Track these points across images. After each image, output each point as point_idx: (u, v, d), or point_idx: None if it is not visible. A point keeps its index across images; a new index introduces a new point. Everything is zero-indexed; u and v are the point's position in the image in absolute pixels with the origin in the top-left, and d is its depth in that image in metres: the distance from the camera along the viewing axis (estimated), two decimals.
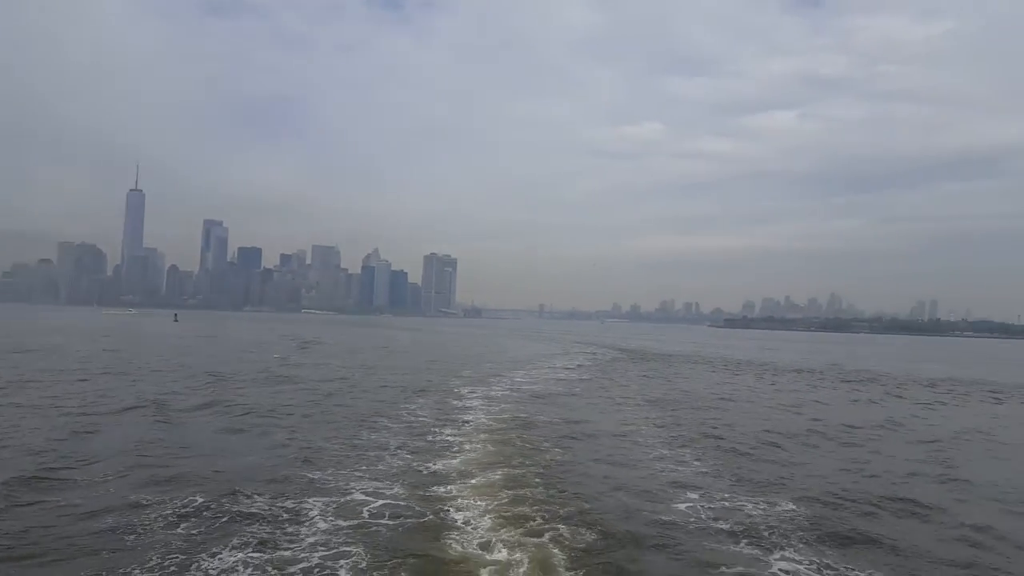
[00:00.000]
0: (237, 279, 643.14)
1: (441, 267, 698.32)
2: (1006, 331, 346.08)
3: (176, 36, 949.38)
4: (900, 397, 40.68)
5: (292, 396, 29.90)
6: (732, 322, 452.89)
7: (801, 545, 12.12)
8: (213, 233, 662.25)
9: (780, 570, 10.94)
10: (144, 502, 13.23)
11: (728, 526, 13.03)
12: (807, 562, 11.28)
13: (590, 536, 12.08)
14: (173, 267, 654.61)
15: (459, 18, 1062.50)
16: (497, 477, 16.05)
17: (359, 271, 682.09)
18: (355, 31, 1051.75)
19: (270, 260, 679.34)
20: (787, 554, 11.64)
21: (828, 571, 10.94)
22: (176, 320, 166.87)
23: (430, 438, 20.80)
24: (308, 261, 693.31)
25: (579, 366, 55.60)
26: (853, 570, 11.08)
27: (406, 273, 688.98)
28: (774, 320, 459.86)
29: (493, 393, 33.28)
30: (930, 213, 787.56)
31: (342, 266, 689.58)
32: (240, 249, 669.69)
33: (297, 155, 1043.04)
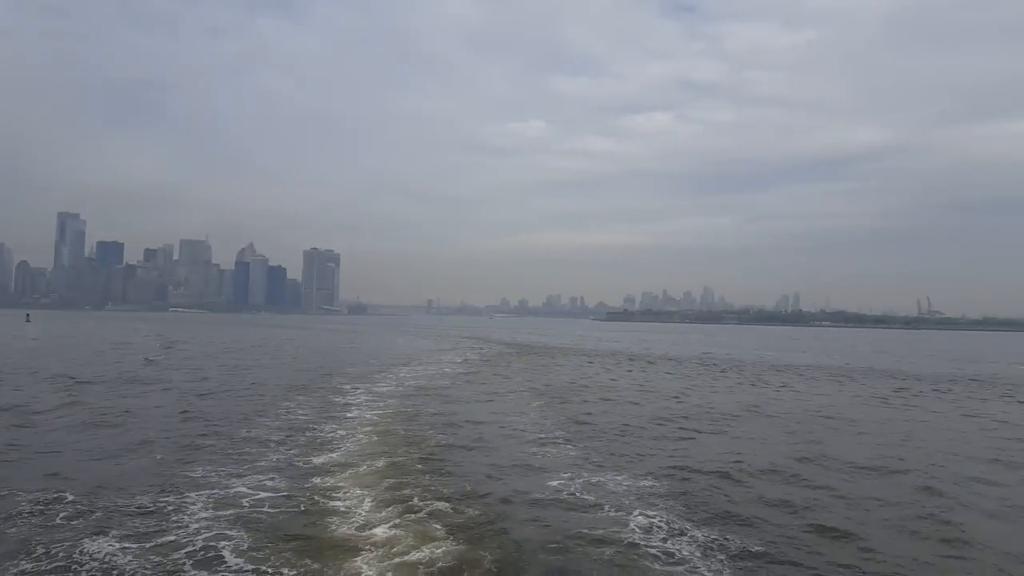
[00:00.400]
0: (96, 276, 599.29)
1: (323, 263, 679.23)
2: (859, 321, 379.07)
3: (24, 12, 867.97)
4: (757, 383, 44.38)
5: (160, 398, 28.88)
6: (614, 315, 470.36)
7: (656, 506, 13.59)
8: (68, 227, 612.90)
9: (636, 526, 12.28)
10: (17, 499, 12.92)
11: (594, 498, 14.28)
12: (658, 518, 12.72)
13: (470, 511, 12.92)
14: (23, 263, 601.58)
15: (339, 5, 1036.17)
16: (380, 465, 16.59)
17: (232, 267, 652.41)
18: (226, 13, 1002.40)
19: (133, 255, 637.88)
20: (643, 512, 13.07)
21: (675, 524, 12.43)
22: (28, 321, 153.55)
23: (311, 434, 20.92)
24: (175, 256, 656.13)
25: (465, 360, 56.55)
26: (695, 522, 12.67)
27: (285, 269, 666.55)
28: (652, 313, 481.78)
29: (377, 389, 33.52)
30: (794, 212, 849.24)
31: (214, 261, 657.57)
32: (99, 244, 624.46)
33: (164, 143, 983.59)
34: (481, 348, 76.85)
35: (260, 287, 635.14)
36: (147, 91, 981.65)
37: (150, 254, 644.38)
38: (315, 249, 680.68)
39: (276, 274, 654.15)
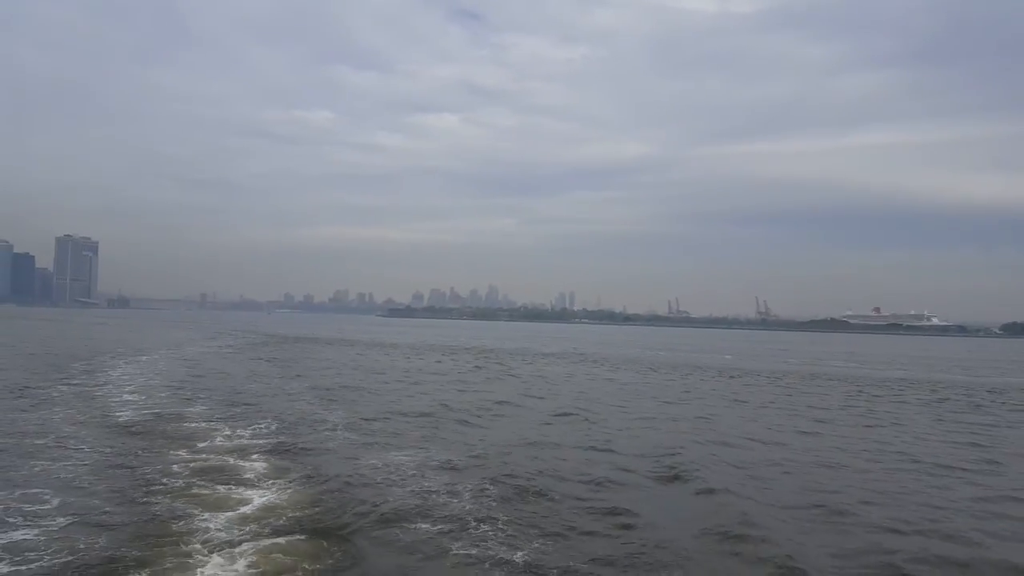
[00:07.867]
0: None
1: (79, 251, 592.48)
2: (612, 318, 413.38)
3: None
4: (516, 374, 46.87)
5: None
6: (396, 312, 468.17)
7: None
8: None
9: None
10: None
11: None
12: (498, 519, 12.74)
13: None
14: None
15: None
16: None
17: None
18: None
19: None
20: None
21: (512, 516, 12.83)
22: None
23: None
24: None
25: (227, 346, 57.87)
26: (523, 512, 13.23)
27: (33, 257, 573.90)
28: (435, 310, 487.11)
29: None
30: (571, 216, 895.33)
31: None
32: None
33: None
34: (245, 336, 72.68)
35: (3, 277, 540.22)
36: None
37: None
38: (69, 236, 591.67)
39: (23, 262, 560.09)
